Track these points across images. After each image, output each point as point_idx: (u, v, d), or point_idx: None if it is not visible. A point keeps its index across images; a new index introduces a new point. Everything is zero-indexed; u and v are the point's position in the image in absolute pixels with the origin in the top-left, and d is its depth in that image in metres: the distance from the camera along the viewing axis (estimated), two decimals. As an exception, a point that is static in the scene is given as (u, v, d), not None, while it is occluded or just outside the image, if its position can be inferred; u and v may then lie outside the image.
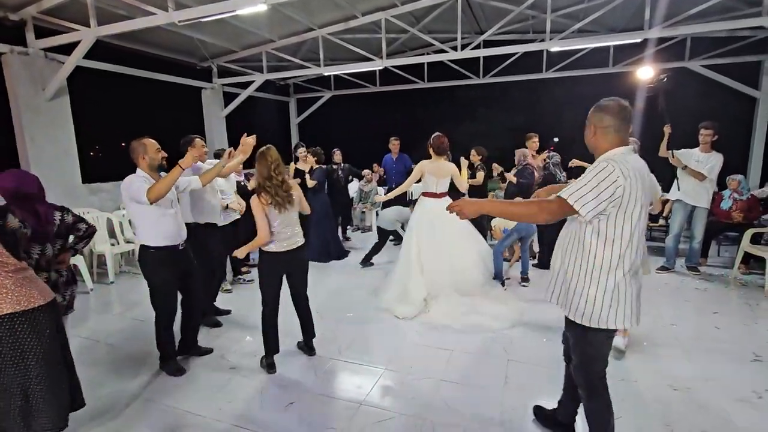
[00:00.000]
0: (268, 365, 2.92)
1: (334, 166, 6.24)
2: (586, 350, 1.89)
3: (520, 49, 6.40)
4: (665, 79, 4.15)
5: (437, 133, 4.16)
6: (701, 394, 2.58)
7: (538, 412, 2.40)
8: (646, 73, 4.74)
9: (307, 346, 3.15)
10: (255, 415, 2.47)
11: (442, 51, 6.75)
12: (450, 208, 1.89)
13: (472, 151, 5.69)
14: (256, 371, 2.94)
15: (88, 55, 5.12)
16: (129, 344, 3.43)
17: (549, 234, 5.04)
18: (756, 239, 4.77)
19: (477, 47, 6.46)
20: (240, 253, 2.80)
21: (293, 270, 2.95)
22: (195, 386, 2.79)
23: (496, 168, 5.77)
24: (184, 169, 2.65)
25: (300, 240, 2.92)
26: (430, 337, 3.42)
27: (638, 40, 5.77)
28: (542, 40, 6.43)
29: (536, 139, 5.62)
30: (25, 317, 1.93)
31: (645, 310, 3.91)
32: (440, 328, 3.55)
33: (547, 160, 5.28)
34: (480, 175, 5.57)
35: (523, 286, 4.58)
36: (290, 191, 2.80)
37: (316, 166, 5.64)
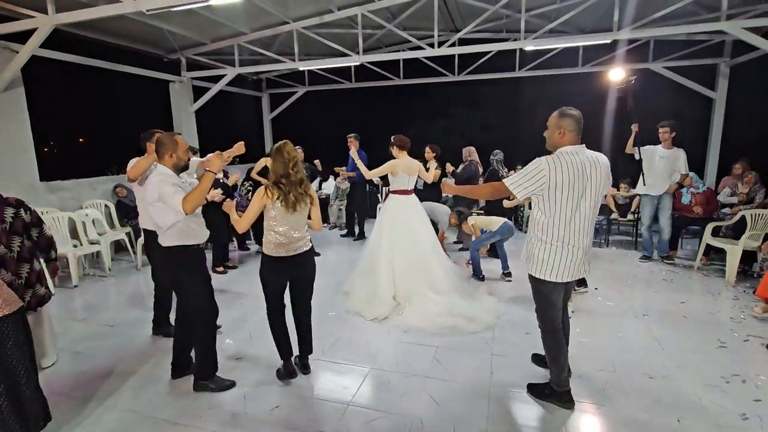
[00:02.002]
0: (288, 373, 2.74)
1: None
2: (540, 297, 2.45)
3: (495, 47, 6.49)
4: (633, 81, 4.33)
5: (395, 135, 4.26)
6: (675, 381, 2.70)
7: (532, 388, 2.62)
8: (616, 74, 4.93)
9: (301, 363, 2.87)
10: (239, 421, 2.38)
11: (418, 48, 6.75)
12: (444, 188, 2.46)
13: (427, 149, 5.87)
14: (237, 375, 2.84)
15: (46, 44, 4.78)
16: (98, 351, 3.24)
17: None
18: (716, 232, 5.06)
19: (452, 45, 6.50)
20: (227, 206, 2.62)
21: (297, 278, 2.71)
22: (173, 393, 2.66)
23: (449, 168, 6.22)
24: (216, 174, 2.43)
25: (307, 245, 2.70)
26: (414, 334, 3.41)
27: (608, 41, 5.96)
28: (516, 39, 6.55)
29: None
30: None
31: (617, 302, 4.07)
32: (424, 327, 3.55)
33: (492, 157, 5.75)
34: (435, 173, 5.69)
35: (508, 281, 4.66)
36: (308, 191, 2.61)
37: None
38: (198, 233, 2.59)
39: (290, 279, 2.71)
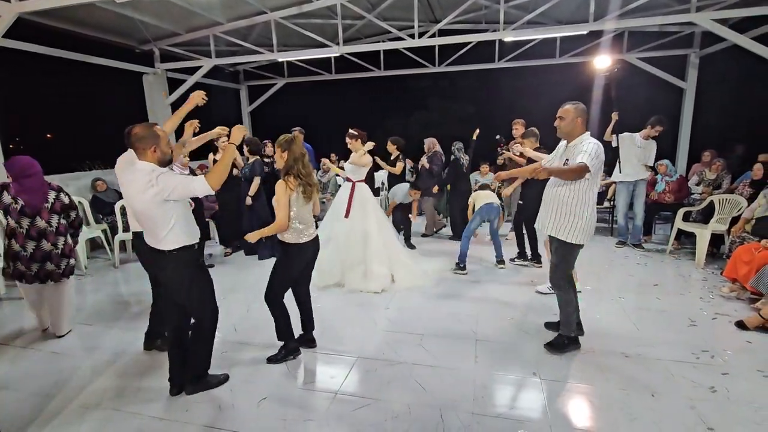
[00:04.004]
0: (296, 348, 2.94)
1: (267, 159, 5.83)
2: (569, 260, 2.89)
3: (474, 38, 6.53)
4: (617, 70, 4.44)
5: (357, 129, 4.50)
6: (649, 358, 2.83)
7: (549, 325, 3.24)
8: (601, 62, 5.03)
9: (308, 339, 3.09)
10: (227, 414, 2.38)
11: (398, 39, 6.73)
12: (536, 172, 2.72)
13: (388, 143, 6.01)
14: (223, 368, 2.81)
15: (9, 34, 4.56)
16: (77, 351, 3.17)
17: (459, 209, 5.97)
18: (686, 217, 5.27)
19: (432, 36, 6.51)
20: (252, 237, 2.62)
21: (311, 261, 2.90)
22: (157, 389, 2.63)
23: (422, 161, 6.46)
24: (236, 146, 2.41)
25: (316, 231, 2.88)
26: (400, 323, 3.46)
27: (584, 32, 6.08)
28: (495, 30, 6.60)
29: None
30: None
31: (596, 286, 4.21)
32: (410, 315, 3.61)
33: (453, 147, 6.05)
34: (399, 166, 5.79)
35: (501, 268, 4.74)
36: (316, 183, 2.79)
37: (252, 158, 5.25)
38: (195, 231, 2.45)
39: (306, 262, 2.87)
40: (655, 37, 7.55)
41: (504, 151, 5.44)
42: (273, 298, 2.80)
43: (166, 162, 2.33)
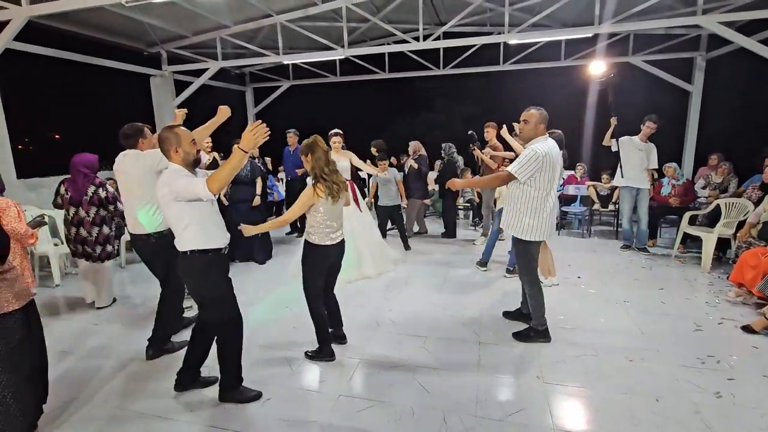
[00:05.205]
0: (329, 354, 2.93)
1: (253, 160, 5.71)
2: (528, 257, 3.04)
3: (479, 41, 6.54)
4: (612, 75, 4.46)
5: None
6: (653, 362, 2.81)
7: (507, 314, 3.50)
8: (597, 67, 5.04)
9: (338, 335, 3.13)
10: (231, 414, 2.39)
11: (403, 41, 6.76)
12: (452, 185, 3.17)
13: (372, 147, 6.15)
14: (228, 369, 2.84)
15: (20, 37, 4.63)
16: (82, 350, 3.20)
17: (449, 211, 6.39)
18: (692, 221, 5.24)
19: (437, 39, 6.53)
20: (254, 229, 2.63)
21: (335, 263, 2.92)
22: (163, 389, 2.65)
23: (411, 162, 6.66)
24: (247, 153, 2.16)
25: (343, 234, 2.89)
26: (403, 325, 3.47)
27: (589, 35, 6.07)
28: (500, 33, 6.61)
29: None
30: None
31: (601, 290, 4.19)
32: (413, 317, 3.62)
33: (449, 149, 6.33)
34: (382, 166, 5.84)
35: (505, 276, 4.59)
36: (343, 180, 2.80)
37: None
38: (217, 235, 2.37)
39: (330, 265, 2.89)
40: (662, 40, 7.52)
41: (475, 149, 5.46)
42: (311, 305, 2.88)
43: (191, 161, 2.32)
